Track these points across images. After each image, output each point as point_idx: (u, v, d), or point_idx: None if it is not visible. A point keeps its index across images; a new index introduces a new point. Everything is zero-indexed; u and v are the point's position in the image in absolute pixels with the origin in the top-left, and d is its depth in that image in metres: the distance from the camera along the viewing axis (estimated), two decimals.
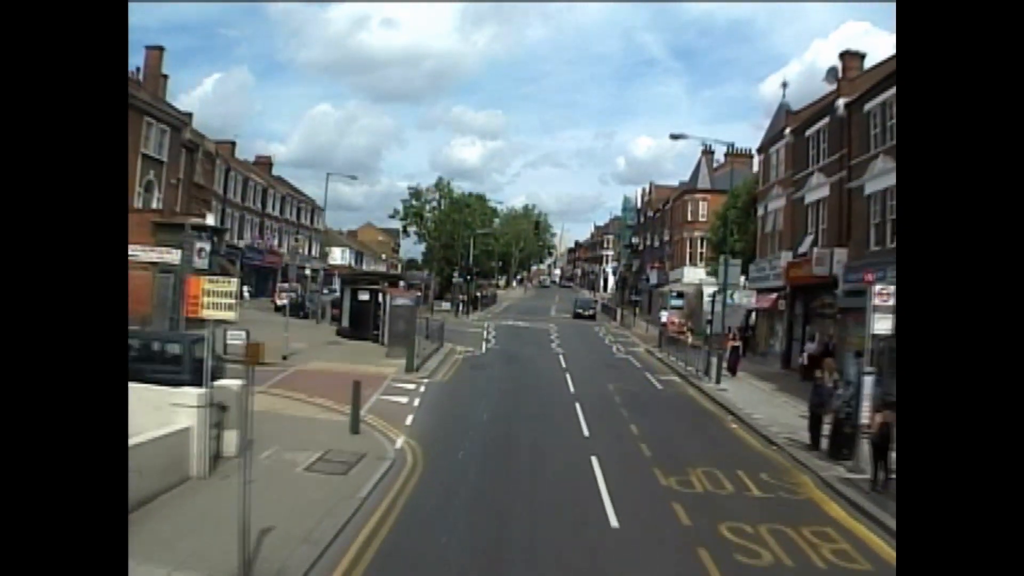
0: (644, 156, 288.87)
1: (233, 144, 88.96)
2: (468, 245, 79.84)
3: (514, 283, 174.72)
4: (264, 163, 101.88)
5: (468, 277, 76.57)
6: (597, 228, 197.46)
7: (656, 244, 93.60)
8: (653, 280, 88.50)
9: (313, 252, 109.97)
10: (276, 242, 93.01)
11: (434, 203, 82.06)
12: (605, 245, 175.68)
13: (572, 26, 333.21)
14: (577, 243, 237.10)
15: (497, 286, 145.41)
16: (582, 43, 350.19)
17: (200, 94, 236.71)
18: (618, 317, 79.60)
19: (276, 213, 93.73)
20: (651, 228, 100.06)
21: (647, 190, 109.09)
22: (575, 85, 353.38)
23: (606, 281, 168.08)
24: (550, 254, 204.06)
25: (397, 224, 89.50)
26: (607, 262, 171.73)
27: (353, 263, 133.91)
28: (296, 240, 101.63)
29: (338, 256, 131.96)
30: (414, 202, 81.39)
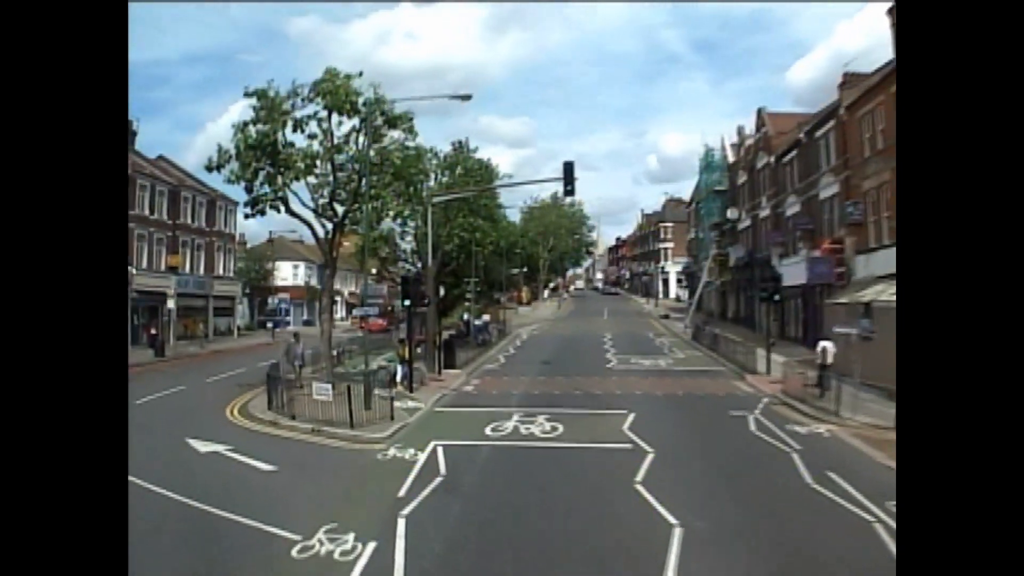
0: (676, 154, 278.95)
1: None
2: (430, 231, 37.66)
3: (545, 293, 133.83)
4: None
5: (408, 304, 32.39)
6: (647, 216, 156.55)
7: (798, 209, 50.61)
8: (797, 277, 46.02)
9: (223, 269, 69.35)
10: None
11: (312, 127, 31.23)
12: (662, 236, 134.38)
13: (593, 28, 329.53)
14: (619, 240, 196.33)
15: (520, 300, 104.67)
16: (604, 44, 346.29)
17: (226, 122, 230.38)
18: (760, 363, 36.55)
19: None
20: (772, 185, 57.63)
21: (752, 128, 66.56)
22: (600, 87, 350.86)
23: (666, 284, 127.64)
24: (589, 253, 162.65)
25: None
26: (667, 258, 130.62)
27: (315, 281, 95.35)
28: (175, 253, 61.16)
29: (289, 273, 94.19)
30: (256, 127, 29.74)
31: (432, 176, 42.29)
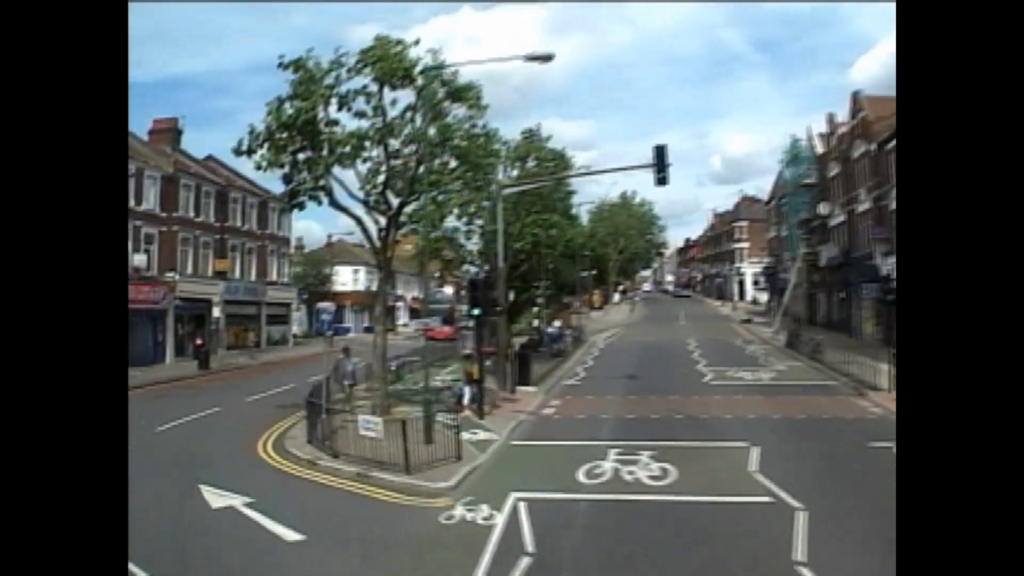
0: (739, 154, 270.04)
1: None
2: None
3: (616, 296, 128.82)
4: (164, 128, 58.09)
5: (477, 312, 27.68)
6: (719, 216, 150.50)
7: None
8: None
9: (277, 275, 65.38)
10: (150, 262, 48.70)
11: (360, 103, 25.85)
12: (737, 236, 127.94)
13: (653, 29, 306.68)
14: (688, 240, 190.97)
15: (591, 304, 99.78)
16: (665, 45, 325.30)
17: None
18: (880, 376, 30.99)
19: (152, 207, 48.97)
20: (873, 176, 51.92)
21: (845, 116, 61.00)
22: (662, 88, 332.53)
23: (742, 286, 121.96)
24: (660, 254, 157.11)
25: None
26: (742, 259, 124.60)
27: (376, 286, 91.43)
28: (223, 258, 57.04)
29: (349, 278, 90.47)
30: (293, 104, 24.47)
31: (501, 169, 37.18)
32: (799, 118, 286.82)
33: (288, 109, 24.27)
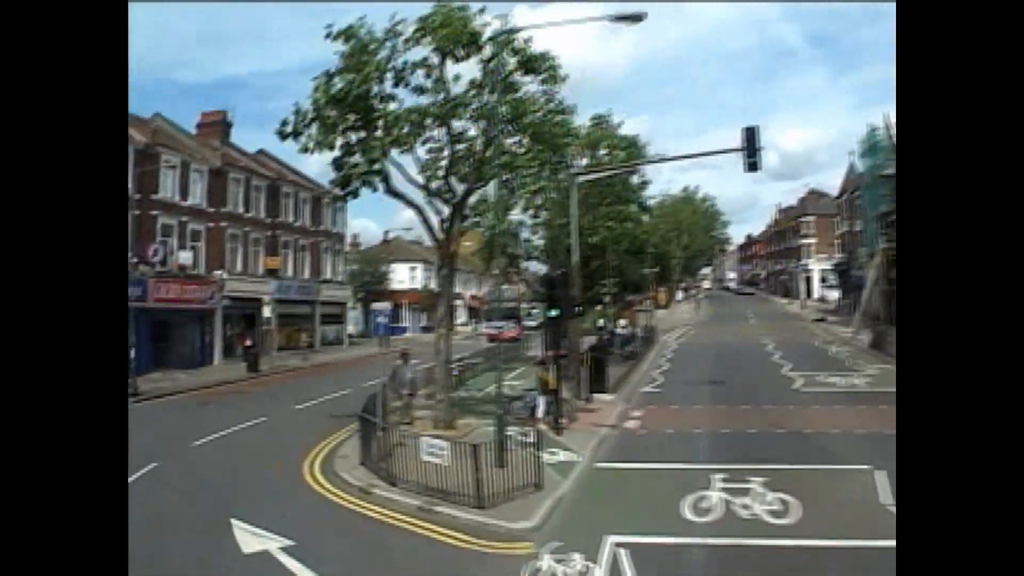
0: (796, 149, 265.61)
1: None
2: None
3: (679, 294, 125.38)
4: (212, 122, 56.38)
5: (556, 314, 24.63)
6: (782, 211, 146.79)
7: None
8: None
9: (332, 273, 63.02)
10: (197, 259, 46.64)
11: (419, 77, 22.96)
12: (803, 232, 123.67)
13: (709, 25, 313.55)
14: (750, 237, 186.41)
15: (657, 303, 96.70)
16: (720, 41, 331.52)
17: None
18: None
19: (198, 202, 46.86)
20: None
21: None
22: (718, 84, 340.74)
23: (808, 283, 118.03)
24: (723, 251, 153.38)
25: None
26: (809, 255, 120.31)
27: (434, 284, 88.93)
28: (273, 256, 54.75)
29: (406, 276, 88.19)
30: (343, 77, 21.48)
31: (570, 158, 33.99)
32: (857, 112, 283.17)
33: (338, 83, 21.44)
